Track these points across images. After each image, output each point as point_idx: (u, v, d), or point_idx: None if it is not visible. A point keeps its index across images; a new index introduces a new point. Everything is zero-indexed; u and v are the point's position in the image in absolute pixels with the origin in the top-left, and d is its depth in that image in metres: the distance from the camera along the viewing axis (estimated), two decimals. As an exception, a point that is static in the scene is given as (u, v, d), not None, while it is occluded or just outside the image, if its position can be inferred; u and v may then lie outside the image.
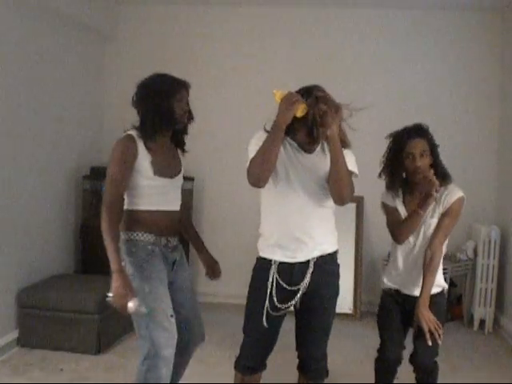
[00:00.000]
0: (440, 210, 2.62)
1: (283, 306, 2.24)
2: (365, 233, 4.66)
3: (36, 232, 3.91)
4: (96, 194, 4.29)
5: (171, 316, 2.29)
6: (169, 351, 2.25)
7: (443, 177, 2.59)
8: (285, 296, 2.24)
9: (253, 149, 2.27)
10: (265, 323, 2.22)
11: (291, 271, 2.24)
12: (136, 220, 2.35)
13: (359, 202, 4.68)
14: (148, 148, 2.34)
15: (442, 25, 4.64)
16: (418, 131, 2.60)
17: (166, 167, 2.40)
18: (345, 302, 4.48)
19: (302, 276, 2.23)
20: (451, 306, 4.44)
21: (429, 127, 2.63)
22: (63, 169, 4.30)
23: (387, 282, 2.71)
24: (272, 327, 2.26)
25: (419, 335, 2.56)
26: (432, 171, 2.50)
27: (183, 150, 2.56)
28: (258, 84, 4.80)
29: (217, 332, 3.88)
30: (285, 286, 2.23)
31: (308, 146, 2.28)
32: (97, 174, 4.34)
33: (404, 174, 2.63)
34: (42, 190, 3.96)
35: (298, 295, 2.24)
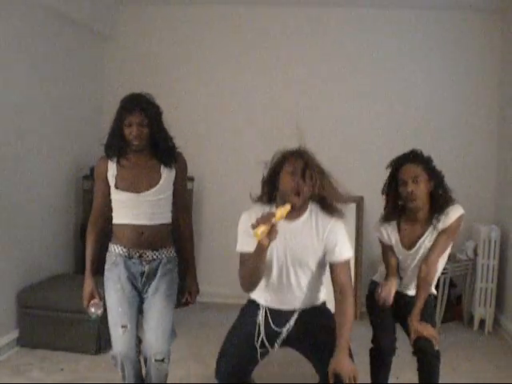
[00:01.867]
0: (437, 230, 2.61)
1: (266, 344, 2.34)
2: (365, 233, 4.66)
3: (36, 232, 3.91)
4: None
5: (123, 327, 2.45)
6: (120, 353, 2.47)
7: (442, 204, 2.58)
8: (270, 335, 2.35)
9: (241, 240, 2.29)
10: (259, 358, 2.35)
11: (278, 314, 2.36)
12: (113, 232, 2.56)
13: (359, 202, 4.68)
14: (119, 163, 2.51)
15: (441, 25, 4.64)
16: (411, 157, 2.59)
17: (134, 182, 2.49)
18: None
19: (286, 322, 2.36)
20: (451, 306, 4.44)
21: (428, 155, 2.61)
22: (63, 169, 4.30)
23: (379, 280, 2.77)
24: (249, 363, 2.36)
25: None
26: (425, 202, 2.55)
27: (166, 165, 2.55)
28: (258, 84, 4.80)
29: (217, 332, 3.87)
30: (272, 325, 2.35)
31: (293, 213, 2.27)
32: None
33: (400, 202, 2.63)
34: (41, 190, 3.97)
35: (280, 338, 2.35)
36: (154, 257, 2.52)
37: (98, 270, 2.58)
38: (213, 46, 4.83)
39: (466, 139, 4.64)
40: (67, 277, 4.10)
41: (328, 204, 2.28)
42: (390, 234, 2.68)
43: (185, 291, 2.68)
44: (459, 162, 4.52)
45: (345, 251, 2.29)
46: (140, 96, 2.51)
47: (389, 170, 2.65)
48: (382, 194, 2.69)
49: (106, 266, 2.56)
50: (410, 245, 2.66)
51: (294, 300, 2.36)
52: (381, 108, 4.70)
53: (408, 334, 2.66)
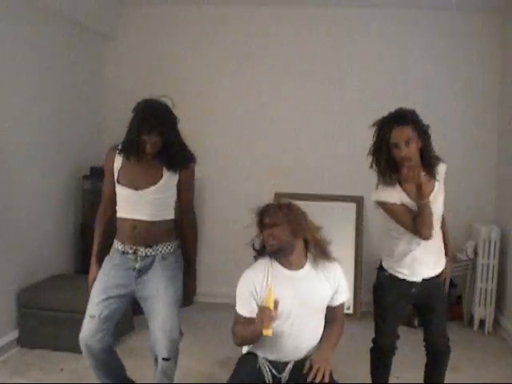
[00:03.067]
0: (441, 187, 2.56)
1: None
2: (365, 233, 4.66)
3: (36, 232, 3.91)
4: (96, 193, 4.26)
5: (90, 316, 2.51)
6: (81, 339, 2.53)
7: (430, 163, 2.50)
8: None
9: (242, 302, 2.31)
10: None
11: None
12: (117, 227, 2.61)
13: (359, 202, 4.68)
14: (126, 158, 2.53)
15: (441, 25, 4.64)
16: (401, 119, 2.46)
17: (134, 179, 2.52)
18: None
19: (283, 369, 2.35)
20: (451, 306, 4.44)
21: (414, 110, 2.51)
22: (63, 169, 4.30)
23: (390, 270, 2.64)
24: None
25: (428, 313, 2.65)
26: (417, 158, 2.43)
27: (169, 169, 2.56)
28: (258, 84, 4.80)
29: (217, 332, 3.88)
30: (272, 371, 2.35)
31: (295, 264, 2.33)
32: (97, 174, 4.33)
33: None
34: (42, 190, 3.97)
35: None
36: (148, 253, 2.53)
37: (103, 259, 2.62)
38: (213, 46, 4.83)
39: (466, 139, 4.64)
40: (67, 277, 4.10)
41: (322, 250, 2.34)
42: (398, 195, 2.50)
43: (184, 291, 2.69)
44: (459, 162, 4.52)
45: (346, 293, 2.43)
46: (158, 113, 2.48)
47: (374, 131, 2.53)
48: (370, 155, 2.54)
49: (106, 259, 2.61)
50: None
51: (302, 346, 2.33)
52: (381, 108, 4.68)
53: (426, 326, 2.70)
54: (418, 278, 2.58)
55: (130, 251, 2.53)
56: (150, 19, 4.89)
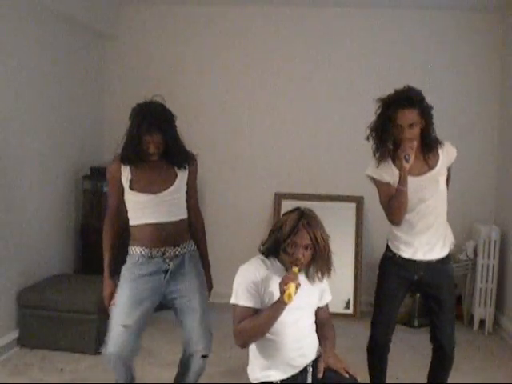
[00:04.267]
0: (444, 168, 2.60)
1: None
2: (365, 232, 4.66)
3: (36, 232, 3.91)
4: (96, 194, 4.29)
5: (124, 326, 2.44)
6: (113, 351, 2.45)
7: (430, 144, 2.56)
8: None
9: (240, 293, 2.22)
10: None
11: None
12: (131, 234, 2.58)
13: (359, 201, 4.68)
14: (131, 166, 2.52)
15: (441, 25, 4.64)
16: (408, 101, 2.46)
17: (150, 184, 2.51)
18: (345, 301, 4.51)
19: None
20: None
21: (421, 91, 2.54)
22: (63, 169, 4.30)
23: (394, 248, 2.64)
24: None
25: (435, 308, 2.63)
26: (414, 143, 2.45)
27: (180, 167, 2.59)
28: (258, 84, 4.80)
29: (217, 332, 3.87)
30: None
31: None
32: (97, 174, 4.34)
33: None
34: (42, 190, 3.97)
35: None
36: (177, 253, 2.55)
37: (116, 271, 2.58)
38: (214, 46, 4.83)
39: (466, 139, 4.63)
40: (67, 277, 4.10)
41: (328, 266, 2.29)
42: (391, 175, 2.53)
43: None
44: (459, 162, 4.48)
45: (329, 293, 2.41)
46: (156, 112, 2.50)
47: (378, 107, 2.55)
48: (369, 129, 2.56)
49: (125, 266, 2.55)
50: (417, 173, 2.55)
51: (306, 353, 2.29)
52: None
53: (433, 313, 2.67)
54: (421, 257, 2.56)
55: (158, 254, 2.51)
56: (150, 19, 4.89)
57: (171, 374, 2.75)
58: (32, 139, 3.83)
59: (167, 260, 2.53)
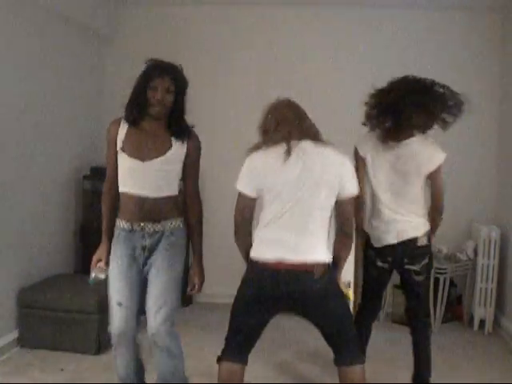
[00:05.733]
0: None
1: None
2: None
3: (36, 232, 3.91)
4: (96, 194, 4.27)
5: (118, 304, 2.40)
6: (114, 329, 2.40)
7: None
8: None
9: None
10: None
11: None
12: (119, 203, 2.51)
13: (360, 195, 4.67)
14: (130, 128, 2.45)
15: (441, 25, 4.64)
16: (423, 104, 2.84)
17: (140, 149, 2.42)
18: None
19: None
20: (451, 306, 4.44)
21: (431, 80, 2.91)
22: (63, 169, 4.30)
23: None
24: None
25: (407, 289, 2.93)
26: None
27: (178, 138, 2.48)
28: (258, 83, 4.80)
29: (217, 332, 3.87)
30: None
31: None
32: (97, 174, 4.34)
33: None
34: (42, 190, 3.96)
35: None
36: (156, 229, 2.44)
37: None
38: (213, 46, 4.83)
39: (466, 139, 4.63)
40: (67, 277, 4.10)
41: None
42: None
43: (190, 279, 2.59)
44: (459, 162, 4.52)
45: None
46: (170, 63, 2.48)
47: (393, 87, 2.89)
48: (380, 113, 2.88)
49: (113, 239, 2.51)
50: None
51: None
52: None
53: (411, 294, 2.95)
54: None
55: (138, 228, 2.43)
56: (150, 19, 4.89)
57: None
58: (32, 139, 3.83)
59: (146, 235, 2.43)
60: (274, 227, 2.26)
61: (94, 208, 4.24)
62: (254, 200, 2.31)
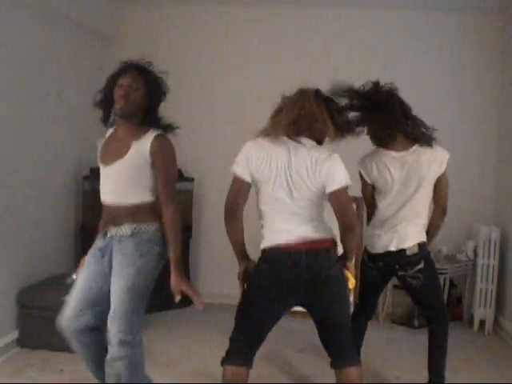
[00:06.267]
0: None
1: None
2: (364, 233, 4.66)
3: (36, 232, 3.91)
4: (96, 194, 4.27)
5: (66, 300, 2.42)
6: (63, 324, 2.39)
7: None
8: None
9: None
10: None
11: None
12: None
13: (359, 202, 4.66)
14: (111, 133, 2.46)
15: (441, 25, 4.64)
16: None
17: (108, 154, 2.41)
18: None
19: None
20: (451, 307, 4.44)
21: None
22: (63, 169, 4.30)
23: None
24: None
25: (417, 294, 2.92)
26: None
27: (138, 140, 2.35)
28: (258, 84, 4.80)
29: (217, 332, 3.88)
30: None
31: None
32: (97, 174, 4.30)
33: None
34: (42, 191, 3.96)
35: None
36: (113, 233, 2.38)
37: None
38: (213, 46, 4.83)
39: (466, 139, 4.64)
40: (67, 277, 4.09)
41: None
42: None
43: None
44: (459, 163, 4.51)
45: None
46: (139, 62, 2.42)
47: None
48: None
49: None
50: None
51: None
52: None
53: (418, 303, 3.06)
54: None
55: (106, 232, 2.42)
56: (150, 19, 4.89)
57: (171, 373, 2.74)
58: (32, 139, 3.83)
59: (104, 239, 2.40)
60: (279, 218, 2.30)
61: (94, 208, 4.24)
62: (247, 184, 2.35)
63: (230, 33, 4.81)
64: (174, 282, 2.40)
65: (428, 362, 2.93)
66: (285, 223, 2.29)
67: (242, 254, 2.43)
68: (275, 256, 2.29)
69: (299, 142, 2.30)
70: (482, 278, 4.27)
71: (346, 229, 2.33)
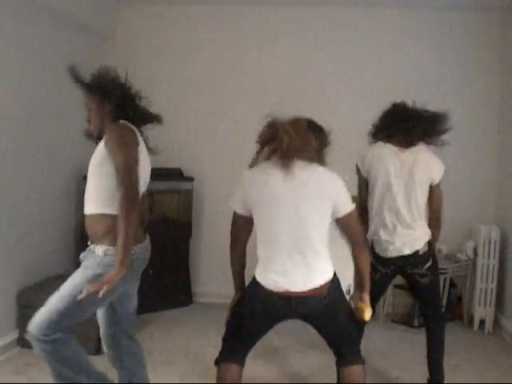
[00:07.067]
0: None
1: None
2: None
3: (36, 232, 3.91)
4: (96, 194, 4.28)
5: None
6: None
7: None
8: None
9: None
10: None
11: None
12: None
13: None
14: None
15: (441, 24, 4.64)
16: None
17: None
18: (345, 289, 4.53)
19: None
20: (451, 306, 4.44)
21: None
22: (63, 169, 4.30)
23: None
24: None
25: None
26: None
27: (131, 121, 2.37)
28: (258, 84, 4.80)
29: (217, 332, 3.88)
30: None
31: None
32: (97, 174, 4.34)
33: None
34: (41, 191, 3.96)
35: None
36: (88, 245, 2.37)
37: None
38: (213, 46, 4.83)
39: (466, 139, 4.63)
40: (67, 277, 4.08)
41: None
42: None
43: None
44: (459, 162, 4.52)
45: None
46: (89, 79, 2.39)
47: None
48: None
49: None
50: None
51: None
52: (381, 108, 4.69)
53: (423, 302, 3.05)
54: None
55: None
56: (150, 19, 4.89)
57: (171, 374, 2.74)
58: (32, 139, 3.83)
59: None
60: (275, 250, 2.25)
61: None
62: (245, 218, 2.32)
63: (230, 32, 4.81)
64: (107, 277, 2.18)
65: (428, 361, 2.95)
66: (280, 261, 2.24)
67: (239, 284, 2.45)
68: (264, 292, 2.27)
69: (294, 166, 2.25)
70: (481, 277, 4.27)
71: (357, 248, 2.38)
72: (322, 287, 2.24)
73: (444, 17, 4.61)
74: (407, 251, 2.83)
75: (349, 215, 2.30)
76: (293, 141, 2.19)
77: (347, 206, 2.30)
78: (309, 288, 2.21)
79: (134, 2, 4.85)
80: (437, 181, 2.87)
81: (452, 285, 4.43)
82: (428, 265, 2.87)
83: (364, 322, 2.38)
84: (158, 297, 4.44)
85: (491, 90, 4.62)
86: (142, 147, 2.35)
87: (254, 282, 2.32)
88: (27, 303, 3.62)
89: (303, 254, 2.22)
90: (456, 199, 4.14)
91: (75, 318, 2.34)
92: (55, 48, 4.09)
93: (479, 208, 4.62)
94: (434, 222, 2.94)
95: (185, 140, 4.81)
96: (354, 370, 2.33)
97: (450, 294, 4.40)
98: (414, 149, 2.85)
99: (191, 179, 4.70)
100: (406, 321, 4.38)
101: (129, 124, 2.33)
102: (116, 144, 2.21)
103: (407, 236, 2.83)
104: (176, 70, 4.87)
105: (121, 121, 2.32)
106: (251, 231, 2.36)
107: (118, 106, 2.33)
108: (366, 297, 2.41)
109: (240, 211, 2.32)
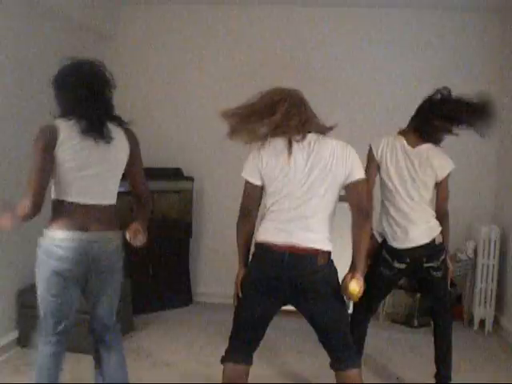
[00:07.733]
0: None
1: None
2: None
3: (36, 232, 3.90)
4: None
5: None
6: None
7: None
8: None
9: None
10: None
11: None
12: None
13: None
14: None
15: (441, 25, 4.64)
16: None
17: None
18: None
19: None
20: (451, 306, 4.43)
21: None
22: (63, 169, 4.29)
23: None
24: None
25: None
26: None
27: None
28: (258, 84, 4.77)
29: (217, 332, 3.88)
30: None
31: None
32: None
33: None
34: (41, 190, 3.96)
35: None
36: None
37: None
38: (213, 46, 4.83)
39: (466, 139, 4.62)
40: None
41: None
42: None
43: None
44: (459, 162, 4.49)
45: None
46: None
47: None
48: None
49: None
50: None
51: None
52: (381, 108, 4.70)
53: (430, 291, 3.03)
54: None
55: None
56: (150, 19, 4.89)
57: (171, 374, 2.74)
58: (31, 139, 3.81)
59: None
60: (281, 219, 2.28)
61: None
62: (258, 187, 2.37)
63: (230, 32, 4.81)
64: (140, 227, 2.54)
65: (436, 358, 2.94)
66: (283, 224, 2.28)
67: (244, 258, 2.44)
68: (261, 252, 2.31)
69: (306, 138, 2.32)
70: (481, 277, 4.27)
71: (361, 216, 2.34)
72: (317, 251, 2.24)
73: (444, 17, 4.61)
74: (426, 239, 2.81)
75: (359, 181, 2.29)
76: (302, 115, 2.35)
77: (359, 173, 2.30)
78: (305, 247, 2.23)
79: (134, 1, 4.85)
80: (441, 177, 2.87)
81: (452, 285, 4.42)
82: (442, 257, 2.86)
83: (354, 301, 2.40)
84: (158, 297, 4.45)
85: (491, 90, 4.61)
86: (70, 142, 2.53)
87: (255, 249, 2.35)
88: (27, 303, 3.62)
89: (307, 220, 2.26)
90: (456, 199, 4.13)
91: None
92: (55, 48, 4.09)
93: (479, 208, 4.62)
94: (440, 218, 2.91)
95: (185, 140, 4.80)
96: (349, 376, 2.31)
97: (450, 293, 4.39)
98: (423, 146, 2.88)
99: (191, 179, 4.70)
100: (406, 321, 4.38)
101: (53, 123, 2.56)
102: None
103: (423, 224, 2.82)
104: (176, 70, 4.87)
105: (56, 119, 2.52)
106: (260, 204, 2.40)
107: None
108: (360, 276, 2.34)
109: (252, 180, 2.39)
